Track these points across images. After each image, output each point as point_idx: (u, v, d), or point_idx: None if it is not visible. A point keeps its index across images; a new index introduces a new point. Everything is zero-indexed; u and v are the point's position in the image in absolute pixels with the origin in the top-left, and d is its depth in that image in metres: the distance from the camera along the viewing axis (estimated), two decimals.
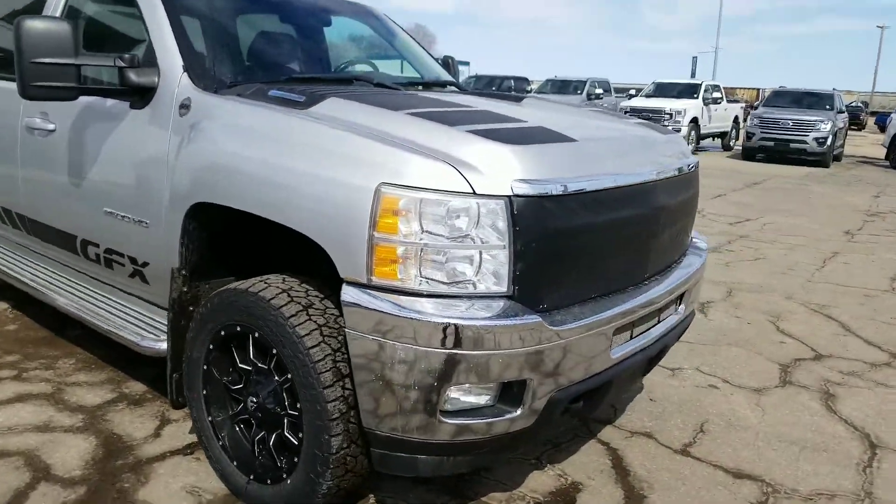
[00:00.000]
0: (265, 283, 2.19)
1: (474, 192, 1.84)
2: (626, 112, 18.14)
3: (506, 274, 1.91)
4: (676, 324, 2.63)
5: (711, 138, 20.48)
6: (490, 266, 1.89)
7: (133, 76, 2.52)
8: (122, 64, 2.50)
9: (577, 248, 2.03)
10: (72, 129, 2.90)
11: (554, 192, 1.92)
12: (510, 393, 1.97)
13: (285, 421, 2.20)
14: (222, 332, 2.29)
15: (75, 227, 3.01)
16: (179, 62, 2.53)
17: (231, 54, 2.83)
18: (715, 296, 5.20)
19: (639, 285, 2.36)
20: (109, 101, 2.71)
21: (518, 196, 1.87)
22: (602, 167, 2.13)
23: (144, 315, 2.90)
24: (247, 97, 2.36)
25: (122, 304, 3.01)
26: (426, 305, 1.85)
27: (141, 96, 2.57)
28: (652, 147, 2.52)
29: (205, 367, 2.39)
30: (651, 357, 2.52)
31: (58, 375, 3.34)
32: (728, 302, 5.09)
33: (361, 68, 3.55)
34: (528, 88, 22.69)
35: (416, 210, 1.83)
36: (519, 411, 1.97)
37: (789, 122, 16.50)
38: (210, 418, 2.43)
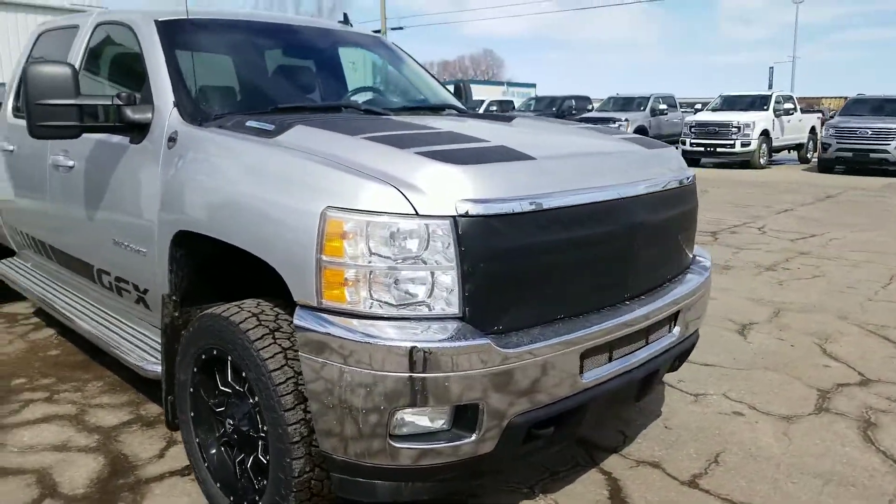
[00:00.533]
0: (239, 307, 2.24)
1: (417, 214, 1.83)
2: (691, 127, 17.64)
3: (455, 295, 1.88)
4: (670, 346, 2.51)
5: (787, 151, 19.61)
6: (438, 287, 1.87)
7: (129, 113, 2.66)
8: (119, 102, 2.64)
9: (535, 267, 1.98)
10: (87, 165, 3.08)
11: (502, 212, 1.89)
12: (464, 417, 1.92)
13: (259, 443, 2.23)
14: (203, 356, 2.35)
15: (91, 256, 3.18)
16: (171, 98, 2.66)
17: (223, 88, 2.95)
18: (759, 317, 4.93)
19: (617, 305, 2.27)
20: (115, 138, 2.87)
21: (463, 216, 1.85)
22: (561, 185, 2.08)
23: (151, 339, 3.02)
24: (226, 128, 2.45)
25: (134, 329, 3.15)
26: (372, 328, 1.84)
27: (138, 132, 2.71)
28: (632, 163, 2.44)
29: (191, 390, 2.46)
30: (641, 381, 2.42)
31: (84, 398, 3.51)
32: (773, 323, 4.81)
33: (368, 96, 3.61)
34: (590, 107, 22.48)
35: (361, 233, 1.83)
36: (474, 436, 1.92)
37: (868, 130, 15.59)
38: (197, 440, 2.49)
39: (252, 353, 2.08)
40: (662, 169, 2.55)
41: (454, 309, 1.89)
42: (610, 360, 2.24)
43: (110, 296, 3.20)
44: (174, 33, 2.90)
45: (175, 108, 2.61)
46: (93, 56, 3.27)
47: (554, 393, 2.03)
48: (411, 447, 1.89)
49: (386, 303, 1.87)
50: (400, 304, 1.87)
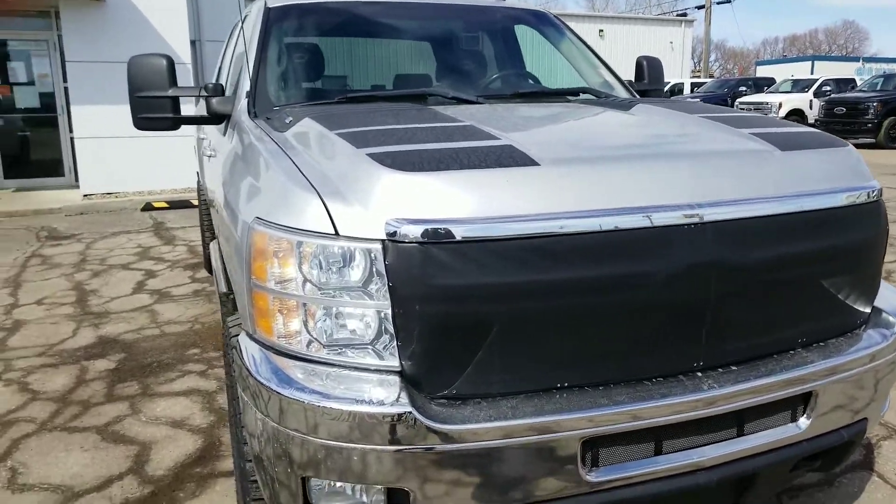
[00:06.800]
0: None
1: (337, 233, 1.42)
2: None
3: (388, 342, 1.43)
4: (791, 442, 1.68)
5: None
6: (366, 330, 1.44)
7: (215, 104, 2.63)
8: (206, 94, 2.62)
9: (508, 316, 1.41)
10: (218, 151, 3.18)
11: (452, 236, 1.37)
12: (397, 501, 1.47)
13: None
14: (224, 356, 2.23)
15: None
16: (246, 90, 2.56)
17: (301, 78, 2.77)
18: None
19: (678, 377, 1.57)
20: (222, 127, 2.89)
21: (394, 240, 1.38)
22: (573, 201, 1.44)
23: None
24: (264, 120, 2.26)
25: None
26: (280, 371, 1.48)
27: (225, 121, 2.67)
28: (740, 172, 1.64)
29: (228, 387, 2.37)
30: (734, 485, 1.67)
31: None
32: None
33: (494, 80, 3.14)
34: None
35: (277, 252, 1.48)
36: None
37: None
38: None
39: (233, 374, 1.88)
40: (801, 180, 1.70)
41: (391, 361, 1.44)
42: (658, 452, 1.56)
43: None
44: (279, 21, 2.81)
45: (245, 100, 2.51)
46: (238, 58, 3.36)
47: (534, 490, 1.45)
48: None
49: (315, 341, 1.49)
50: (330, 346, 1.48)
